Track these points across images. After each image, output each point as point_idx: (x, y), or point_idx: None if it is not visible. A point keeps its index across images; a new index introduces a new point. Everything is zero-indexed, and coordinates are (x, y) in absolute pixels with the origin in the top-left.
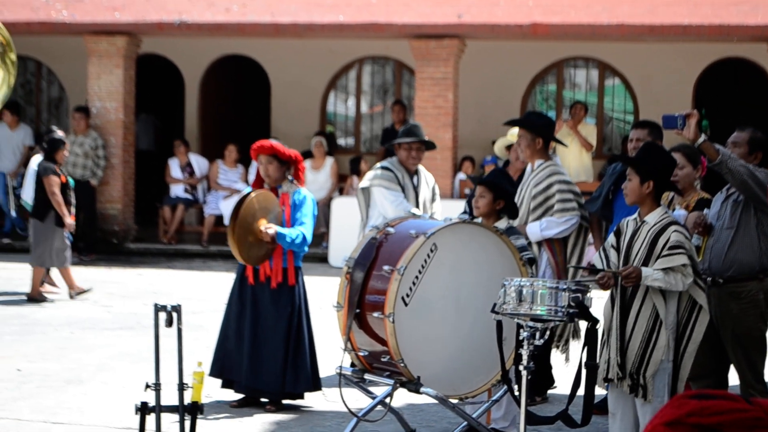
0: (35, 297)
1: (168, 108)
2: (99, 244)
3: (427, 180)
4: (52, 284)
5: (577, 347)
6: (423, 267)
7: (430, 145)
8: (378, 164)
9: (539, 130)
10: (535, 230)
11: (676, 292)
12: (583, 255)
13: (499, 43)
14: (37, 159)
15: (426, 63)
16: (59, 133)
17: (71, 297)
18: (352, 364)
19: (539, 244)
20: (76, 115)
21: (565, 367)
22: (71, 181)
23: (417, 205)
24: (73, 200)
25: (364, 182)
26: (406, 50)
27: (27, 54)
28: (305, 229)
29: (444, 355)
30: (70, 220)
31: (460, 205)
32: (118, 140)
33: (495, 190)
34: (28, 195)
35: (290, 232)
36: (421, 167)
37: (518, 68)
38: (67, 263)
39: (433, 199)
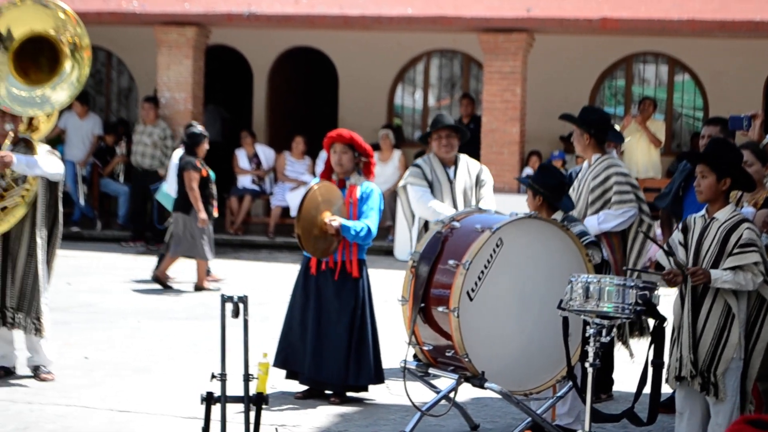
0: (202, 287)
1: (236, 99)
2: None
3: (469, 169)
4: (214, 278)
5: (641, 345)
6: (488, 262)
7: (461, 132)
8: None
9: (589, 125)
10: (593, 223)
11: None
12: (643, 251)
13: (567, 38)
14: (178, 153)
15: (494, 57)
16: (199, 128)
17: (197, 289)
18: (417, 358)
19: (597, 239)
20: (146, 105)
21: (630, 365)
22: (212, 175)
23: (453, 197)
24: (214, 193)
25: (401, 181)
26: (475, 44)
27: (97, 44)
28: (370, 221)
29: (509, 351)
30: (203, 215)
31: None
32: None
33: (533, 188)
34: (171, 188)
35: (355, 225)
36: (463, 156)
37: (587, 63)
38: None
39: (478, 186)
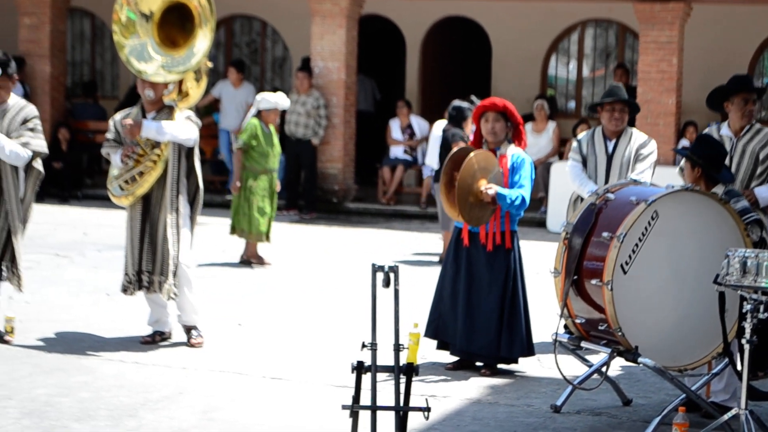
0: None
1: (388, 69)
2: (319, 203)
3: (631, 142)
4: None
5: None
6: (643, 235)
7: (633, 106)
8: None
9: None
10: (765, 194)
11: None
12: None
13: (726, 7)
14: (440, 124)
15: (650, 26)
16: (465, 103)
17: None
18: (569, 331)
19: (764, 211)
20: (300, 74)
21: None
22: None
23: (608, 169)
24: None
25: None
26: (630, 13)
27: (253, 14)
28: (524, 191)
29: (663, 325)
30: None
31: None
32: (339, 100)
33: (692, 159)
34: (432, 160)
35: (510, 193)
36: (631, 130)
37: (746, 32)
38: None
39: (636, 159)
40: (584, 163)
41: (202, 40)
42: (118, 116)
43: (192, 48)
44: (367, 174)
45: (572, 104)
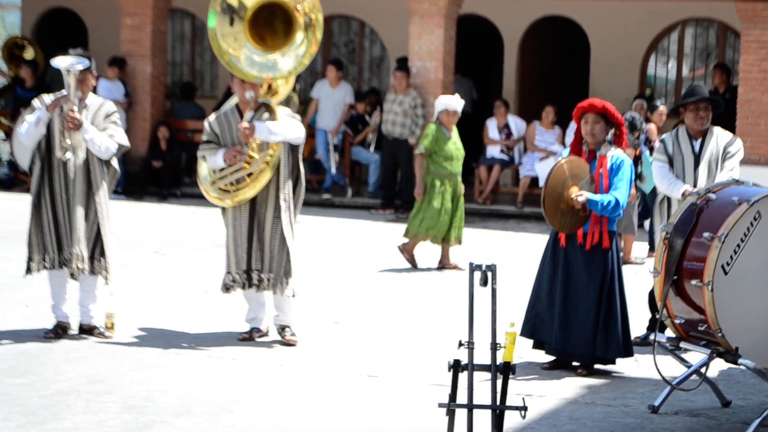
0: (628, 261)
1: (485, 69)
2: (416, 202)
3: (718, 141)
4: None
5: None
6: (745, 235)
7: (716, 104)
8: None
9: None
10: None
11: None
12: None
13: None
14: None
15: (752, 25)
16: (637, 114)
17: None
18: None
19: None
20: (397, 74)
21: None
22: (647, 157)
23: (696, 169)
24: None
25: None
26: (732, 12)
27: (351, 14)
28: (619, 193)
29: (764, 327)
30: (633, 191)
31: None
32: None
33: None
34: None
35: (602, 198)
36: (715, 129)
37: None
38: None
39: (724, 158)
40: (670, 163)
41: (288, 63)
42: (212, 118)
43: (279, 61)
44: (464, 173)
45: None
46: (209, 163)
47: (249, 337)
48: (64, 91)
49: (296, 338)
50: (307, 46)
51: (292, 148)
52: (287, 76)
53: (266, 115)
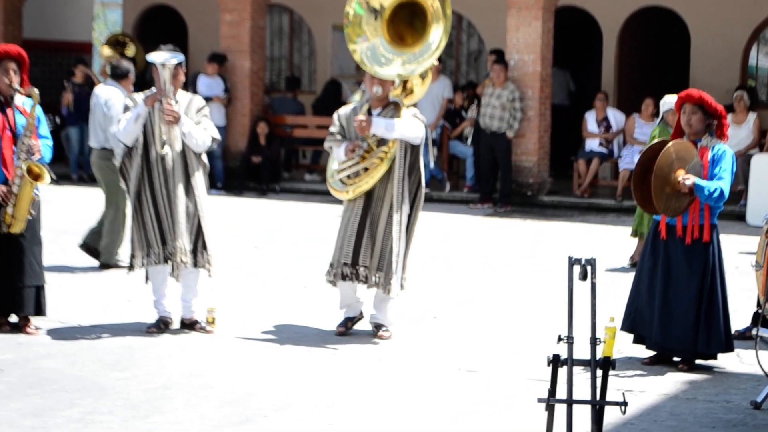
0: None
1: (582, 61)
2: (513, 196)
3: None
4: None
5: None
6: None
7: None
8: None
9: None
10: None
11: None
12: None
13: None
14: None
15: None
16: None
17: None
18: None
19: None
20: (496, 67)
21: None
22: None
23: None
24: None
25: None
26: None
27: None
28: (723, 184)
29: None
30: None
31: None
32: (534, 93)
33: None
34: None
35: (708, 185)
36: None
37: None
38: None
39: None
40: None
41: (437, 30)
42: (342, 111)
43: (428, 39)
44: (562, 167)
45: None
46: (334, 155)
47: (345, 329)
48: (153, 88)
49: (389, 334)
50: (437, 45)
51: (412, 148)
52: (407, 76)
53: (391, 112)
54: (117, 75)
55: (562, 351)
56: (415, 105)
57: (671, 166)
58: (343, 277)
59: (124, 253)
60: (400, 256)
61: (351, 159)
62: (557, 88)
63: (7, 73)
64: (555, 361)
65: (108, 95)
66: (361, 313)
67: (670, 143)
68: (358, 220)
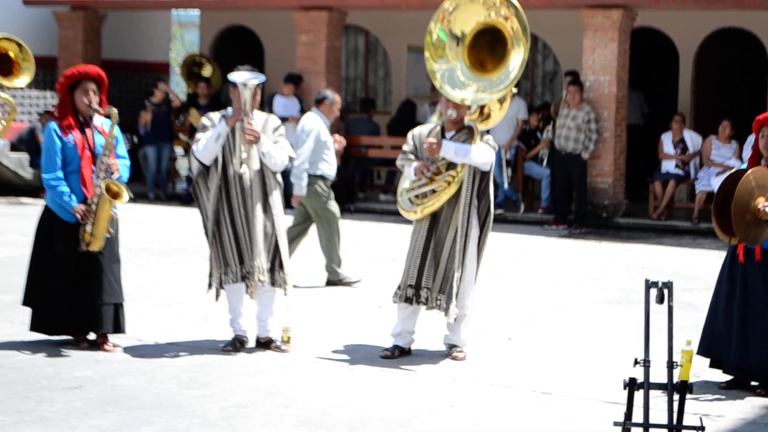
0: None
1: (655, 82)
2: (588, 218)
3: None
4: None
5: None
6: None
7: None
8: None
9: None
10: None
11: None
12: None
13: None
14: None
15: None
16: None
17: None
18: None
19: None
20: (571, 88)
21: None
22: None
23: None
24: None
25: None
26: None
27: None
28: None
29: None
30: None
31: None
32: (610, 114)
33: None
34: None
35: None
36: None
37: None
38: None
39: None
40: None
41: (516, 57)
42: (417, 131)
43: (507, 66)
44: (637, 188)
45: None
46: (405, 174)
47: (390, 355)
48: (230, 108)
49: (463, 354)
50: (515, 74)
51: (481, 174)
52: (470, 103)
53: (464, 137)
54: (317, 102)
55: (639, 374)
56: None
57: (751, 194)
58: (407, 300)
59: (345, 269)
60: (462, 281)
61: (420, 179)
62: (631, 109)
63: (87, 94)
64: (631, 385)
65: (306, 123)
66: (410, 349)
67: (749, 170)
68: (423, 241)
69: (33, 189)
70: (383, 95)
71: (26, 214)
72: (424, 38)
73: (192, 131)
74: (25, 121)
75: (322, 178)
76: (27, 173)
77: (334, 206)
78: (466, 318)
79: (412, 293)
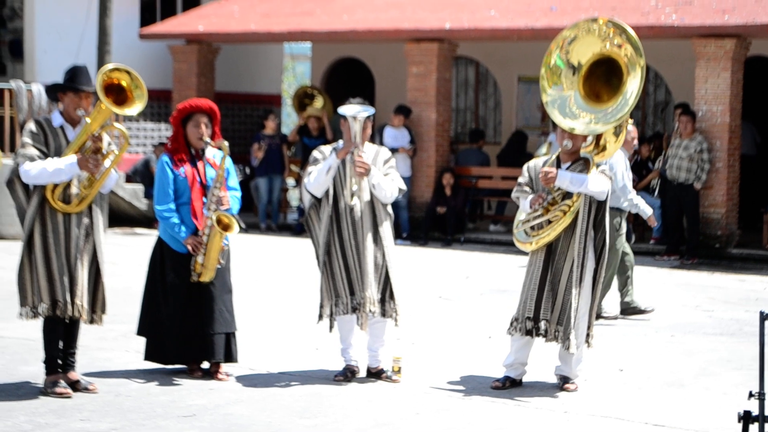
0: None
1: (765, 111)
2: (701, 249)
3: None
4: None
5: None
6: None
7: None
8: None
9: None
10: None
11: None
12: None
13: None
14: None
15: None
16: None
17: None
18: None
19: None
20: (683, 118)
21: None
22: None
23: None
24: None
25: None
26: None
27: None
28: None
29: None
30: None
31: None
32: (723, 144)
33: None
34: None
35: None
36: None
37: None
38: None
39: None
40: None
41: (633, 82)
42: (532, 162)
43: (624, 93)
44: (751, 219)
45: None
46: (521, 206)
47: (501, 386)
48: (340, 141)
49: (575, 386)
50: (634, 98)
51: (598, 204)
52: (579, 133)
53: (580, 167)
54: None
55: (753, 407)
56: None
57: None
58: (528, 332)
59: (638, 297)
60: (579, 312)
61: (535, 211)
62: (744, 139)
63: (199, 127)
64: (746, 418)
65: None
66: (522, 380)
67: None
68: (540, 273)
69: (147, 220)
70: (493, 126)
71: (141, 244)
72: (534, 69)
73: (303, 163)
74: (140, 152)
75: (619, 210)
76: (142, 204)
77: (621, 243)
78: (579, 350)
79: (531, 326)
